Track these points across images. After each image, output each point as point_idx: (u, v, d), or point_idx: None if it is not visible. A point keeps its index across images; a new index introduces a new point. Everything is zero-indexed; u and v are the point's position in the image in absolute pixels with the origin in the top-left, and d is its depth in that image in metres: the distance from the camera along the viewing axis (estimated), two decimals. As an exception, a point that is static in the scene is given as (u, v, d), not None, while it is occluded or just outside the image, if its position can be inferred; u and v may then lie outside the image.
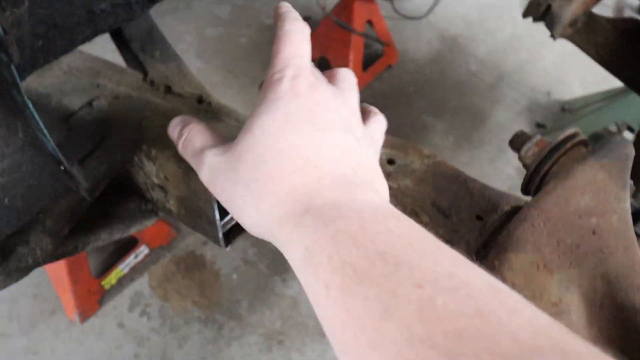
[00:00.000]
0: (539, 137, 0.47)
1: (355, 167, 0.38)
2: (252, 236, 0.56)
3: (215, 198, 0.59)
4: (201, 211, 0.64)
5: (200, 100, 0.66)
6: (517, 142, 0.49)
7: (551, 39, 1.17)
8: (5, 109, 0.44)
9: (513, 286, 0.38)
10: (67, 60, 0.76)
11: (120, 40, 0.74)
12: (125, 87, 0.70)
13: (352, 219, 0.32)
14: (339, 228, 0.32)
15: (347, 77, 0.47)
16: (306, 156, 0.37)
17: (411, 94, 2.27)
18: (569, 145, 0.44)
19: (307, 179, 0.36)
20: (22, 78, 0.60)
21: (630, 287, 0.35)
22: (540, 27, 1.18)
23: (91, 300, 1.50)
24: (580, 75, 2.36)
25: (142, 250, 1.59)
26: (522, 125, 2.16)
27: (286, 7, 0.46)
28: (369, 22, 2.20)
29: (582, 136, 0.45)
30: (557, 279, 0.37)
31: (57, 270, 1.39)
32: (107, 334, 1.52)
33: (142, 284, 1.61)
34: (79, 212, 0.60)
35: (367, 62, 2.24)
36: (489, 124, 2.16)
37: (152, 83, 0.71)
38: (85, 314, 1.51)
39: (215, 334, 1.54)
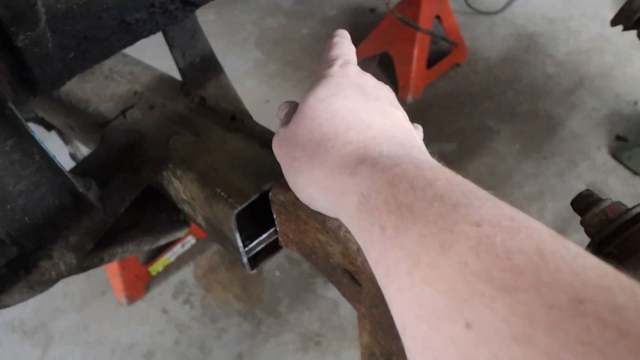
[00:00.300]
0: (608, 202, 0.40)
1: (408, 135, 0.40)
2: None
3: (236, 228, 0.56)
4: (225, 235, 0.61)
5: (233, 117, 0.63)
6: (581, 204, 0.42)
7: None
8: (19, 134, 0.43)
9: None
10: (109, 64, 0.75)
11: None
12: (161, 96, 0.68)
13: (409, 166, 0.32)
14: (396, 173, 0.32)
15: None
16: (360, 117, 0.39)
17: (478, 96, 2.15)
18: (642, 221, 0.37)
19: (362, 136, 0.37)
20: (60, 85, 0.59)
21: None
22: (630, 32, 1.05)
23: (138, 285, 1.54)
24: (672, 84, 2.14)
25: (189, 240, 1.61)
26: (599, 136, 1.99)
27: (340, 34, 0.51)
28: (438, 18, 2.09)
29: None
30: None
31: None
32: (151, 318, 1.56)
33: (187, 273, 1.63)
34: (103, 228, 0.59)
35: (433, 60, 2.13)
36: (562, 133, 2.00)
37: (187, 93, 0.68)
38: (132, 297, 1.55)
39: (253, 329, 1.55)
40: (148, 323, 1.56)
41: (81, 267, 0.63)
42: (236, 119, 0.63)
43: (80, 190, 0.48)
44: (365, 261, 0.49)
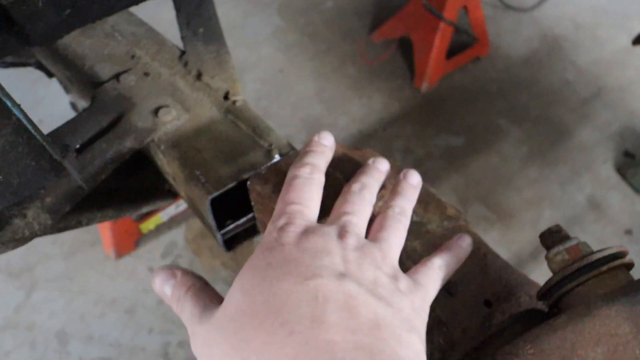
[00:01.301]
0: (574, 242, 0.39)
1: (366, 330, 0.31)
2: None
3: (210, 212, 0.55)
4: (202, 216, 0.61)
5: (226, 96, 0.62)
6: (548, 240, 0.41)
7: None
8: (-5, 93, 0.42)
9: None
10: (112, 21, 0.73)
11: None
12: (158, 63, 0.67)
13: None
14: None
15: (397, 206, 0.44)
16: (281, 319, 0.31)
17: (493, 93, 2.11)
18: (604, 268, 0.36)
19: (281, 352, 0.30)
20: (56, 39, 0.58)
21: None
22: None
23: (128, 240, 1.56)
24: (691, 106, 2.09)
25: (184, 203, 1.61)
26: (607, 149, 1.96)
27: (313, 145, 0.44)
28: (464, 8, 2.04)
29: (627, 259, 0.37)
30: None
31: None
32: (137, 275, 1.58)
33: (178, 234, 1.64)
34: (80, 193, 0.59)
35: (453, 50, 2.09)
36: (571, 143, 1.97)
37: (185, 64, 0.67)
38: (120, 252, 1.56)
39: (236, 299, 1.56)
40: (133, 280, 1.58)
41: (57, 228, 0.63)
42: (229, 99, 0.62)
43: (56, 157, 0.47)
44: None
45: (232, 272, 1.60)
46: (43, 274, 1.57)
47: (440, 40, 1.97)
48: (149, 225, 1.59)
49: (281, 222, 0.38)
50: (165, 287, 0.41)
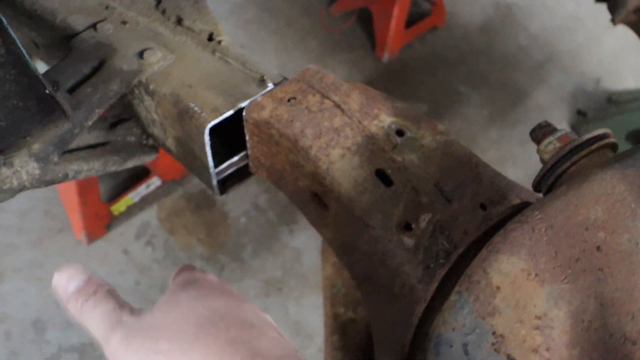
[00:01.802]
0: (563, 132, 0.42)
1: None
2: (264, 182, 0.52)
3: (208, 144, 0.56)
4: (196, 155, 0.61)
5: (210, 37, 0.62)
6: (539, 134, 0.44)
7: (612, 25, 1.07)
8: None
9: (497, 290, 0.34)
10: (81, -24, 0.72)
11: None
12: (135, 13, 0.66)
13: None
14: None
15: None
16: (239, 316, 0.38)
17: (453, 61, 2.17)
18: (594, 146, 0.39)
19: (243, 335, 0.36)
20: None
21: (624, 314, 0.31)
22: (605, 10, 1.08)
23: (99, 223, 1.52)
24: (635, 67, 2.21)
25: (154, 182, 1.59)
26: (562, 110, 2.05)
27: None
28: (420, -22, 2.08)
29: (612, 139, 0.40)
30: (546, 291, 0.33)
31: (67, 189, 1.40)
32: (111, 258, 1.55)
33: (150, 214, 1.62)
34: (70, 139, 0.58)
35: (412, 20, 2.13)
36: (528, 104, 2.05)
37: (163, 12, 0.67)
38: (91, 236, 1.53)
39: (216, 273, 1.55)
40: (108, 263, 1.55)
41: (44, 180, 0.62)
42: (213, 40, 0.62)
43: (48, 90, 0.47)
44: (333, 180, 0.50)
45: (209, 249, 1.60)
46: (10, 264, 1.52)
47: (399, 9, 2.00)
48: (119, 207, 1.56)
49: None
50: (70, 284, 0.42)
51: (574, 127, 1.99)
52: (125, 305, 0.40)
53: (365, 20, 2.17)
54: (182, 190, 1.67)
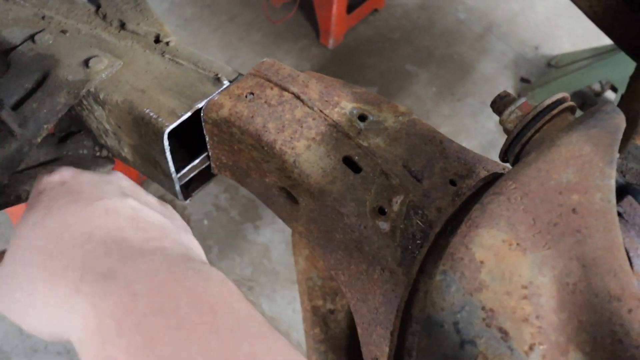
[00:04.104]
0: (523, 100, 0.43)
1: (154, 230, 0.38)
2: (224, 181, 0.51)
3: (168, 148, 0.54)
4: (155, 161, 0.59)
5: (157, 39, 0.60)
6: (500, 105, 0.45)
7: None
8: None
9: (482, 265, 0.35)
10: (9, -14, 0.67)
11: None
12: (74, 20, 0.63)
13: (123, 294, 0.31)
14: (107, 310, 0.31)
15: None
16: (77, 231, 0.36)
17: (397, 41, 2.19)
18: (555, 111, 0.40)
19: (79, 254, 0.35)
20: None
21: (606, 272, 0.32)
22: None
23: (56, 242, 1.46)
24: (570, 30, 2.29)
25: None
26: (507, 78, 2.11)
27: None
28: (356, -39, 2.08)
29: (570, 102, 0.41)
30: (529, 259, 0.34)
31: (20, 211, 1.33)
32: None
33: (109, 227, 1.57)
34: (18, 158, 0.55)
35: (353, 5, 2.13)
36: (474, 76, 2.10)
37: (104, 17, 0.64)
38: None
39: (184, 280, 1.53)
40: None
41: (-4, 205, 0.58)
42: (161, 42, 0.59)
43: (-8, 110, 0.44)
44: (301, 172, 0.49)
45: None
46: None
47: (340, -6, 2.00)
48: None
49: (55, 176, 0.42)
50: None
51: (520, 95, 2.06)
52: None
53: (307, 8, 2.15)
54: (140, 198, 1.62)
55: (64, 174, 0.41)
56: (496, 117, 1.78)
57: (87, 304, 0.32)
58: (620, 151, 0.39)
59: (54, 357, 1.41)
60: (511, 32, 2.29)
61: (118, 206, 0.39)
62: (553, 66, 2.15)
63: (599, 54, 1.96)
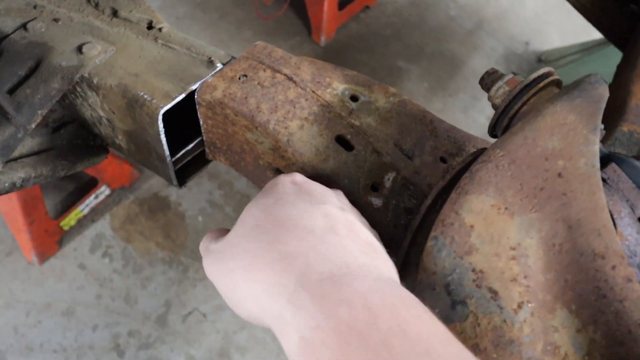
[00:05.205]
0: (510, 75, 0.44)
1: (365, 245, 0.38)
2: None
3: (162, 131, 0.54)
4: (150, 147, 0.59)
5: (150, 25, 0.61)
6: (488, 81, 0.46)
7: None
8: None
9: (471, 229, 0.36)
10: (1, -23, 0.68)
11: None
12: (66, 9, 0.64)
13: (358, 307, 0.29)
14: (343, 319, 0.29)
15: None
16: (302, 223, 0.38)
17: (388, 37, 2.20)
18: (541, 84, 0.41)
19: (302, 246, 0.36)
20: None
21: (590, 232, 0.33)
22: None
23: (49, 241, 1.46)
24: (559, 25, 2.32)
25: (103, 191, 1.53)
26: (497, 74, 2.13)
27: None
28: (347, -42, 2.09)
29: (555, 76, 0.42)
30: (517, 222, 0.35)
31: (11, 209, 1.33)
32: (67, 275, 1.49)
33: (103, 225, 1.56)
34: (13, 144, 0.55)
35: (344, 1, 2.14)
36: (465, 72, 2.12)
37: (96, 5, 0.64)
38: (43, 255, 1.46)
39: (180, 276, 1.53)
40: (65, 280, 1.49)
41: (-9, 192, 0.59)
42: (153, 28, 0.60)
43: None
44: (295, 151, 0.50)
45: (169, 252, 1.56)
46: (-42, 297, 1.43)
47: (331, -9, 2.01)
48: (69, 221, 1.50)
49: (287, 175, 0.45)
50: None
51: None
52: (220, 232, 0.44)
53: (298, 5, 2.16)
54: (132, 196, 1.62)
55: (297, 178, 0.44)
56: (487, 112, 1.81)
57: (316, 305, 0.31)
58: (607, 138, 0.40)
59: (50, 355, 1.40)
60: (501, 28, 2.31)
61: (338, 215, 0.40)
62: (543, 61, 2.17)
63: (587, 48, 1.98)
